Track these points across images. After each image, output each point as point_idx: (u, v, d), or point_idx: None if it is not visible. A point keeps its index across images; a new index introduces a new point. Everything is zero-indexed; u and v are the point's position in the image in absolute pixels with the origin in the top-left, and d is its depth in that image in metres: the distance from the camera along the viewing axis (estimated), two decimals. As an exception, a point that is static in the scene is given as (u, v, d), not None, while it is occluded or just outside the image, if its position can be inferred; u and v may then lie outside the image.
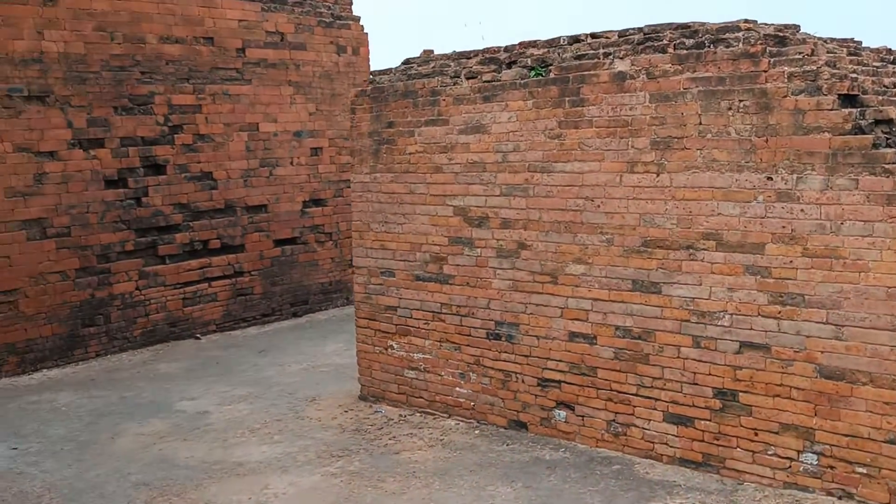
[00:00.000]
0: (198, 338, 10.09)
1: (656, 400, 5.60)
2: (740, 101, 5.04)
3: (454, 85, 6.45)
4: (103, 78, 9.16)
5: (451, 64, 6.53)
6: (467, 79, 6.39)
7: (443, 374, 6.80)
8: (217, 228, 10.26)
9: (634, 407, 5.72)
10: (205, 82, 10.01)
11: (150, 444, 6.59)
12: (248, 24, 10.36)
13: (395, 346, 7.09)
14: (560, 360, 6.07)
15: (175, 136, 9.80)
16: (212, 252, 10.26)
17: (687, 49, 5.27)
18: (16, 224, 8.61)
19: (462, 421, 6.70)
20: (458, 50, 6.62)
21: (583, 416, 6.00)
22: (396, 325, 7.07)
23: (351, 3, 11.61)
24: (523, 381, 6.29)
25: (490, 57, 6.31)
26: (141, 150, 9.52)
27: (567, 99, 5.80)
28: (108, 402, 7.72)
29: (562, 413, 6.11)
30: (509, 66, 6.18)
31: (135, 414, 7.34)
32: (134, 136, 9.46)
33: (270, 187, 10.73)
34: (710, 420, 5.37)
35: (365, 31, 11.64)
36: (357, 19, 11.59)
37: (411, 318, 6.95)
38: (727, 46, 5.10)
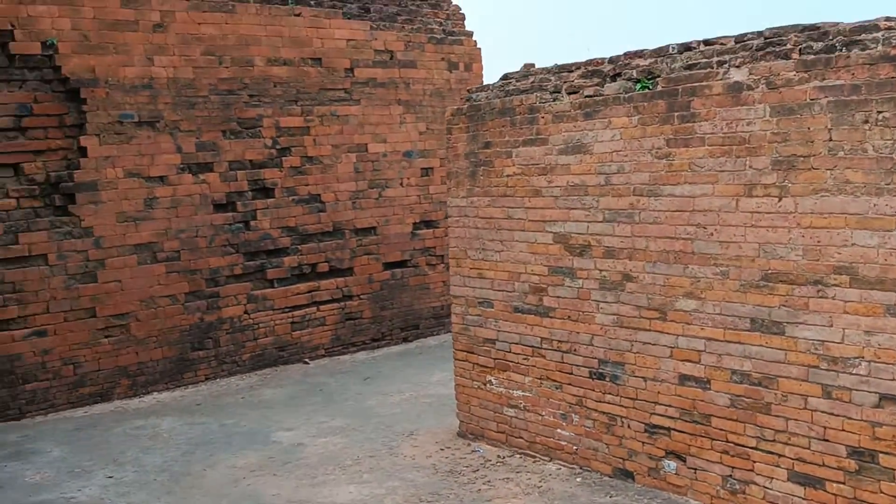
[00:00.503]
0: (306, 362, 9.96)
1: (779, 456, 4.89)
2: (879, 112, 4.31)
3: (554, 101, 5.96)
4: (212, 102, 9.19)
5: (552, 78, 6.04)
6: (568, 94, 5.88)
7: (543, 413, 6.28)
8: (325, 251, 10.12)
9: (754, 462, 5.02)
10: (313, 104, 9.91)
11: (240, 479, 6.39)
12: (357, 43, 10.20)
13: (494, 381, 6.63)
14: (669, 405, 5.43)
15: (283, 158, 9.73)
16: (320, 275, 10.13)
17: (814, 54, 4.57)
18: (127, 248, 8.71)
19: (564, 466, 6.15)
20: (560, 63, 6.13)
21: (695, 469, 5.34)
22: (495, 359, 6.61)
23: (463, 19, 11.28)
24: (629, 426, 5.69)
25: (593, 69, 5.78)
26: (249, 173, 9.49)
27: (676, 114, 5.20)
28: (208, 429, 7.62)
29: (672, 464, 5.47)
30: (613, 78, 5.64)
31: (231, 443, 7.19)
32: (242, 159, 9.45)
33: (380, 209, 10.51)
34: (843, 483, 4.62)
35: (478, 46, 11.29)
36: (470, 34, 11.25)
37: (510, 352, 6.47)
38: (863, 49, 4.38)
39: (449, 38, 11.02)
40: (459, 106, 6.77)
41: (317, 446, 7.02)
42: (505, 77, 6.49)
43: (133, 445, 7.25)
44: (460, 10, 11.26)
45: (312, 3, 9.92)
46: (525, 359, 6.36)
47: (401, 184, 10.69)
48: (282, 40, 9.66)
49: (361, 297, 10.45)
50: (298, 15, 9.76)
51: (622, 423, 5.74)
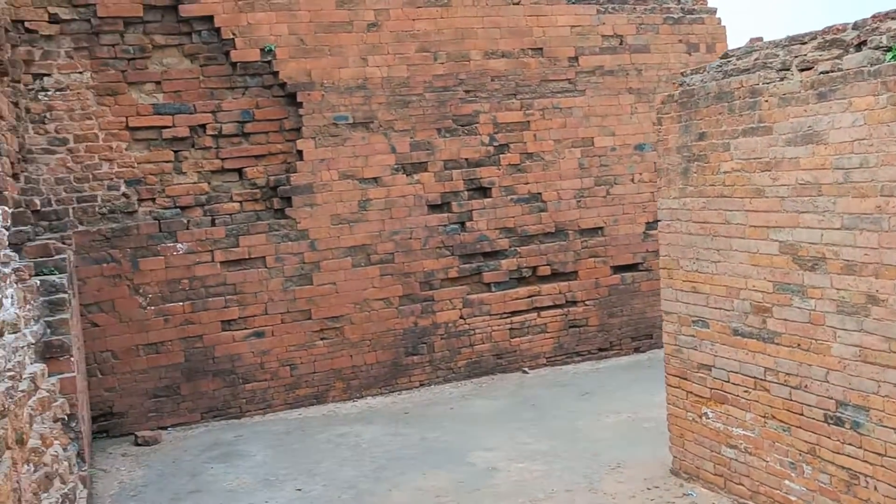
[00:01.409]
0: (525, 372, 9.39)
1: None
2: None
3: (780, 81, 4.86)
4: (426, 100, 8.88)
5: (779, 53, 4.94)
6: (799, 70, 4.77)
7: (768, 459, 5.20)
8: (547, 254, 9.47)
9: None
10: (533, 97, 9.29)
11: (423, 504, 5.96)
12: (582, 29, 9.43)
13: (711, 414, 5.63)
14: (930, 469, 4.19)
15: (501, 156, 9.22)
16: (541, 279, 9.50)
17: None
18: (342, 251, 8.66)
19: (793, 525, 5.05)
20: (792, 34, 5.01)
21: (966, 557, 4.06)
22: (711, 388, 5.61)
23: (706, -7, 10.09)
24: (876, 489, 4.49)
25: (831, 39, 4.62)
26: (465, 172, 9.09)
27: (939, 89, 3.96)
28: (407, 442, 7.30)
29: (934, 544, 4.22)
30: (858, 48, 4.46)
31: (426, 461, 6.80)
32: (458, 158, 9.06)
33: (607, 208, 9.67)
34: None
35: (722, 24, 10.03)
36: (713, 11, 10.03)
37: (728, 381, 5.45)
38: None
39: (688, 16, 9.89)
40: (671, 92, 5.82)
41: (511, 472, 6.42)
42: (725, 56, 5.46)
43: (331, 455, 7.09)
44: (703, -16, 10.09)
45: (534, -11, 9.30)
46: (746, 391, 5.30)
47: (632, 180, 9.76)
48: (499, 31, 9.13)
49: (587, 302, 9.68)
50: (517, 3, 9.19)
51: (867, 483, 4.54)
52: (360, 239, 8.72)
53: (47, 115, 7.80)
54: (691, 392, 5.79)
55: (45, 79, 7.78)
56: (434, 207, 9.02)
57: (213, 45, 8.23)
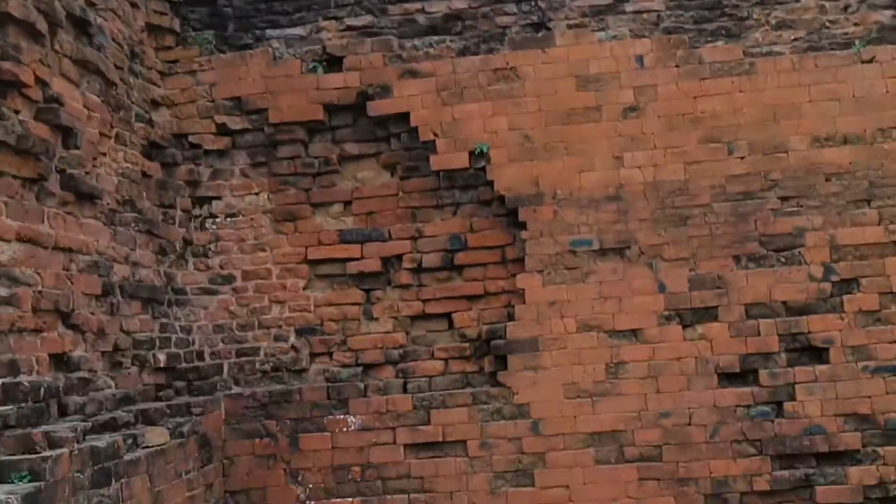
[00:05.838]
0: None
1: None
2: None
3: None
4: (716, 213, 5.93)
5: None
6: None
7: None
8: (935, 462, 5.66)
9: None
10: (901, 203, 5.79)
11: None
12: None
13: None
14: None
15: (844, 297, 5.81)
16: (926, 504, 5.68)
17: None
18: (579, 438, 5.90)
19: None
20: None
21: None
22: None
23: None
24: None
25: None
26: (781, 323, 5.84)
27: None
28: None
29: None
30: None
31: None
32: (769, 300, 5.85)
33: None
34: None
35: None
36: None
37: None
38: None
39: None
40: None
41: None
42: None
43: None
44: None
45: (902, 37, 5.98)
46: None
47: None
48: (838, 106, 5.91)
49: None
50: (869, 61, 5.91)
51: None
52: (609, 422, 5.83)
53: (211, 247, 6.32)
54: None
55: (214, 203, 6.35)
56: (729, 378, 5.84)
57: (415, 152, 6.25)
